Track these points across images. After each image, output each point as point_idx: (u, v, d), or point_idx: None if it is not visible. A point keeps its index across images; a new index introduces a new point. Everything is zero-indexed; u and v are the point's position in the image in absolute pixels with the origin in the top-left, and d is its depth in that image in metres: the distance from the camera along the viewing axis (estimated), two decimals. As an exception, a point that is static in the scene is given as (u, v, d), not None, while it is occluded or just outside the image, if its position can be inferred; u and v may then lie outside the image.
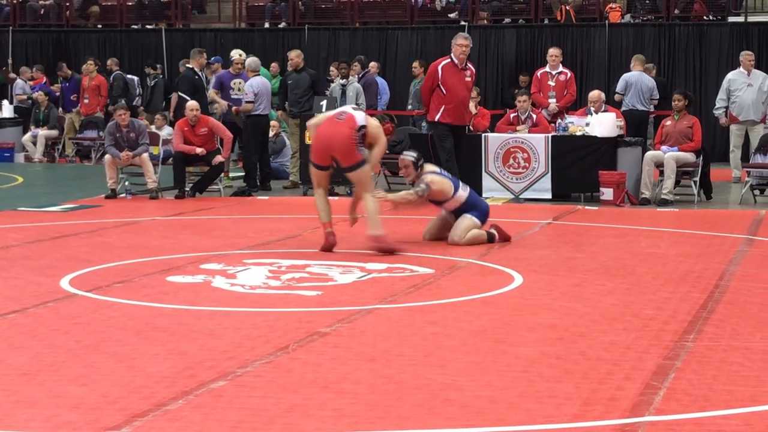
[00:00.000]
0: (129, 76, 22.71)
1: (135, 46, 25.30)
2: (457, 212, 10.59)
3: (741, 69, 17.17)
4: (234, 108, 16.16)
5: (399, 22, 24.53)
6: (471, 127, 15.12)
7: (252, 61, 16.58)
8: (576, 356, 6.20)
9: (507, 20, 24.02)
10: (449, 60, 14.01)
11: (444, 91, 13.87)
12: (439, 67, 14.00)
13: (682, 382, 5.64)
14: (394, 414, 5.11)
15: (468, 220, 10.50)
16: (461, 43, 14.01)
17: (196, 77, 16.79)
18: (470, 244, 10.43)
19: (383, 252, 9.87)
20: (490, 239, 10.57)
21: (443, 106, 13.88)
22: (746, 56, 17.22)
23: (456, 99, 13.89)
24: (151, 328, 6.94)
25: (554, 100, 16.20)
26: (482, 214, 10.64)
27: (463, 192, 10.62)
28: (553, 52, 16.54)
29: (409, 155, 10.72)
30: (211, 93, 16.69)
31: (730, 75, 17.25)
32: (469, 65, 14.24)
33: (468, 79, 14.10)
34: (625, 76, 17.13)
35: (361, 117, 10.27)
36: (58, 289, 8.22)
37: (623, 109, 16.63)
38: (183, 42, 24.50)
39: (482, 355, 6.27)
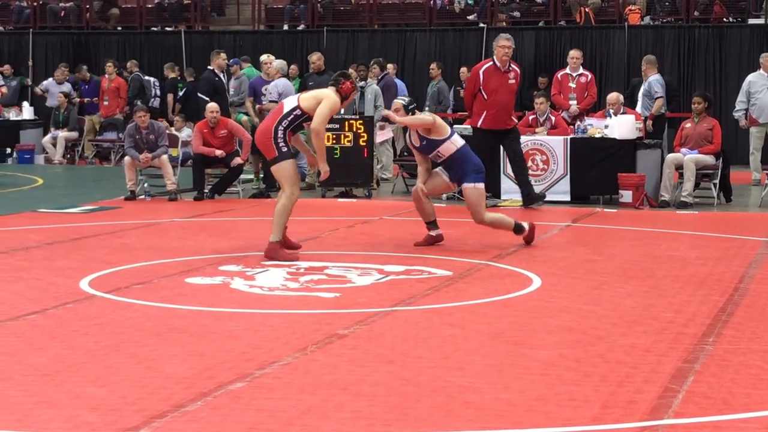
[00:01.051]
0: (146, 77, 22.77)
1: (154, 48, 25.40)
2: (453, 163, 10.35)
3: (761, 71, 17.11)
4: (258, 106, 16.17)
5: (417, 24, 24.54)
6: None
7: (279, 63, 16.60)
8: (595, 359, 6.19)
9: (526, 22, 23.98)
10: (491, 63, 13.78)
11: (485, 96, 13.62)
12: (481, 71, 13.74)
13: (701, 386, 5.62)
14: (412, 416, 5.11)
15: (479, 189, 10.38)
16: (503, 44, 13.71)
17: (216, 79, 16.83)
18: (494, 227, 10.47)
19: (274, 261, 9.43)
20: (518, 230, 10.45)
21: (485, 112, 13.62)
22: (766, 58, 17.16)
23: (498, 103, 13.62)
24: (170, 329, 6.96)
25: (575, 102, 16.17)
26: (479, 170, 10.43)
27: (459, 139, 10.47)
28: (574, 54, 16.50)
29: (401, 99, 10.66)
30: (247, 103, 16.67)
31: (750, 77, 17.20)
32: (513, 66, 13.95)
33: (512, 81, 13.81)
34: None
35: (290, 101, 9.81)
36: (78, 291, 8.25)
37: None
38: (202, 44, 24.58)
39: (501, 357, 6.26)
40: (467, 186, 10.41)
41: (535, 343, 6.63)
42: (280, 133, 9.55)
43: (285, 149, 9.57)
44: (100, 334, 6.81)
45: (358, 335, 6.80)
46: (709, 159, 14.41)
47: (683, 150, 14.51)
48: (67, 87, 22.38)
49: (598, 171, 14.37)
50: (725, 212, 13.82)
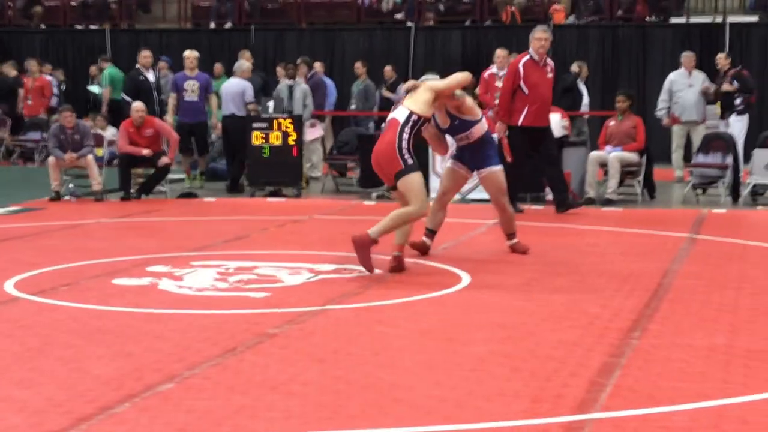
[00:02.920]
0: (47, 76, 22.15)
1: (79, 46, 25.09)
2: (480, 146, 9.84)
3: (682, 70, 17.37)
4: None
5: (346, 22, 24.54)
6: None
7: (246, 64, 16.56)
8: (524, 354, 6.25)
9: (452, 21, 24.11)
10: (529, 56, 13.24)
11: (526, 91, 13.05)
12: (520, 65, 13.18)
13: (628, 379, 5.70)
14: (344, 414, 5.12)
15: (498, 173, 9.95)
16: (540, 36, 13.22)
17: (141, 78, 16.67)
18: (504, 216, 10.09)
19: (355, 251, 8.85)
20: (511, 236, 10.15)
21: (527, 108, 13.03)
22: (687, 57, 17.44)
23: (540, 98, 13.12)
24: (97, 330, 6.88)
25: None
26: (497, 153, 10.21)
27: (484, 122, 9.96)
28: (500, 53, 16.56)
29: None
30: (170, 100, 16.51)
31: (672, 76, 17.45)
32: (548, 61, 13.46)
33: (550, 75, 13.34)
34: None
35: (401, 112, 9.06)
36: (2, 293, 8.12)
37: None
38: (128, 42, 24.34)
39: (431, 354, 6.29)
40: (495, 169, 9.90)
41: (465, 339, 6.67)
42: (404, 144, 8.92)
43: (411, 161, 8.93)
44: (25, 336, 6.71)
45: (289, 334, 6.79)
46: (633, 156, 14.61)
47: (607, 148, 14.70)
48: None
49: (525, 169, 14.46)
50: (649, 209, 14.02)
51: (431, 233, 10.05)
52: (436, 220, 10.04)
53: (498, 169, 9.93)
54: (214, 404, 5.25)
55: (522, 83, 13.05)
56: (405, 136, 8.91)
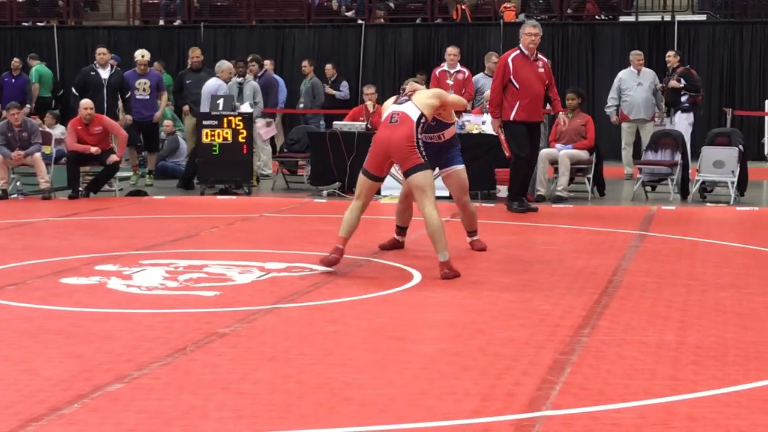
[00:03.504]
0: None
1: (26, 44, 24.79)
2: (449, 147, 10.03)
3: (631, 68, 17.51)
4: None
5: (296, 20, 24.48)
6: (369, 125, 15.12)
7: (227, 64, 16.55)
8: (474, 352, 6.26)
9: (403, 19, 24.15)
10: (518, 51, 13.13)
11: (517, 86, 12.95)
12: (509, 60, 13.09)
13: (578, 377, 5.73)
14: (295, 413, 5.10)
15: (462, 171, 10.10)
16: (530, 31, 13.10)
17: (92, 74, 16.48)
18: (466, 214, 10.17)
19: (451, 278, 8.62)
20: (472, 234, 10.23)
21: (518, 102, 12.94)
22: (636, 56, 17.58)
23: (531, 93, 13.00)
24: (45, 330, 6.81)
25: None
26: (461, 153, 10.24)
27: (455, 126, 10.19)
28: (451, 51, 16.60)
29: (416, 81, 9.91)
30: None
31: (621, 74, 17.59)
32: (541, 56, 13.36)
33: (541, 70, 13.16)
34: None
35: (410, 110, 9.01)
36: (-52, 293, 8.03)
37: None
38: (76, 40, 24.10)
39: (382, 353, 6.29)
40: (458, 168, 10.07)
41: (416, 337, 6.67)
42: (420, 141, 8.93)
43: (426, 158, 8.97)
44: (-28, 337, 6.63)
45: (239, 333, 6.76)
46: (583, 154, 14.70)
47: (557, 145, 14.78)
48: None
49: (476, 166, 14.47)
50: (599, 206, 14.12)
51: (402, 230, 10.16)
52: (405, 217, 10.15)
53: (461, 168, 10.07)
54: (164, 404, 5.22)
55: (512, 78, 12.99)
56: (419, 134, 8.96)
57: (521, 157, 13.06)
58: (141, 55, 16.70)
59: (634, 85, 17.22)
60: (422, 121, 9.02)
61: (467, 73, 16.60)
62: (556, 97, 13.44)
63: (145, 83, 16.34)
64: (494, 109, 13.18)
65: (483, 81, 16.33)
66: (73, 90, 16.61)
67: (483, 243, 10.21)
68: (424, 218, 8.87)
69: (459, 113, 15.30)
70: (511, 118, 13.01)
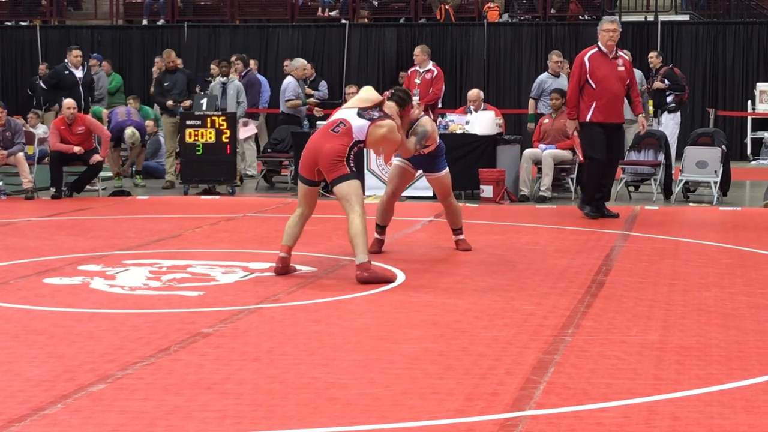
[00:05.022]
0: None
1: (9, 43, 24.71)
2: (432, 157, 9.91)
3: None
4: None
5: (280, 20, 24.45)
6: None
7: (300, 62, 17.04)
8: (458, 352, 6.26)
9: (387, 19, 24.17)
10: (596, 49, 12.58)
11: (594, 86, 12.40)
12: (586, 58, 12.50)
13: (562, 376, 5.74)
14: (279, 413, 5.10)
15: (446, 176, 10.02)
16: (607, 28, 12.56)
17: (66, 72, 16.40)
18: (450, 212, 10.10)
19: (370, 283, 8.41)
20: (457, 232, 10.16)
21: (594, 103, 12.40)
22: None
23: (609, 93, 12.41)
24: (28, 331, 6.79)
25: (417, 97, 16.18)
26: (445, 157, 10.15)
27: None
28: (416, 51, 16.41)
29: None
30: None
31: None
32: (621, 53, 12.82)
33: (621, 68, 12.56)
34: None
35: (359, 129, 8.71)
36: (-70, 293, 7.99)
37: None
38: (59, 39, 24.01)
39: (366, 353, 6.29)
40: (442, 173, 9.97)
41: (399, 337, 6.67)
42: (352, 157, 8.70)
43: (353, 169, 8.74)
44: (-46, 337, 6.60)
45: (223, 333, 6.75)
46: (567, 154, 14.73)
47: (541, 145, 14.81)
48: None
49: (460, 166, 14.50)
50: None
51: (382, 229, 10.11)
52: (387, 217, 10.11)
53: (444, 173, 10.01)
54: (148, 405, 5.20)
55: (588, 77, 12.42)
56: (351, 153, 8.69)
57: (596, 160, 12.53)
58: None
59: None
60: (360, 144, 8.75)
61: (436, 72, 16.38)
62: (637, 97, 12.82)
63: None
64: (571, 109, 12.64)
65: (549, 81, 15.99)
66: (41, 83, 16.54)
67: (468, 244, 10.19)
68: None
69: (434, 113, 15.33)
70: (587, 119, 12.46)
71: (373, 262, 8.58)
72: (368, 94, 9.08)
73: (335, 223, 11.25)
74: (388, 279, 8.55)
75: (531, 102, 16.07)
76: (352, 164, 8.70)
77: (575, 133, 12.79)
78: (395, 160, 10.15)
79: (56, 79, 16.30)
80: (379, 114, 8.86)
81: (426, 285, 8.43)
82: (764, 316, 7.33)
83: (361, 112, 8.81)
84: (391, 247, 10.27)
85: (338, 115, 8.88)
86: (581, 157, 12.72)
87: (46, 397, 5.29)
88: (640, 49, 20.89)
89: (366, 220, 8.64)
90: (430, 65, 16.32)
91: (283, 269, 8.81)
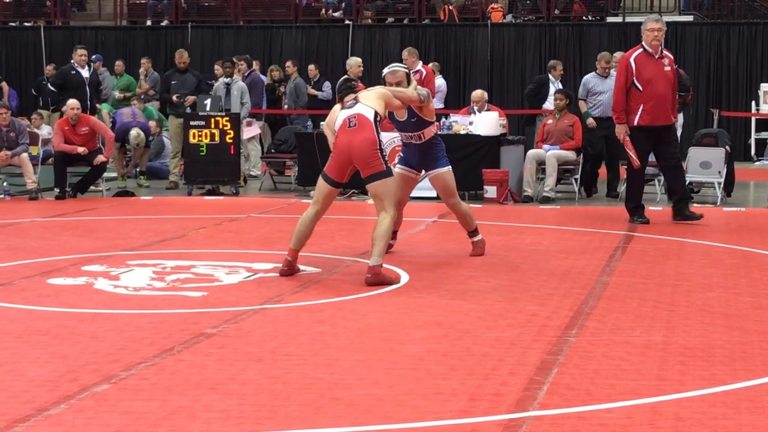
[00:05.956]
0: None
1: (13, 44, 24.74)
2: (430, 148, 9.84)
3: (613, 71, 17.42)
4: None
5: (283, 20, 24.47)
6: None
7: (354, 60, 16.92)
8: (461, 353, 6.26)
9: (391, 20, 24.17)
10: (641, 50, 12.10)
11: (640, 88, 11.90)
12: (632, 59, 12.03)
13: (565, 377, 5.74)
14: (282, 414, 5.10)
15: (451, 172, 9.93)
16: (652, 27, 12.10)
17: (73, 72, 16.42)
18: (460, 216, 10.01)
19: (376, 284, 8.40)
20: (472, 234, 10.05)
21: (641, 106, 11.90)
22: (621, 57, 17.52)
23: (656, 94, 11.91)
24: (32, 331, 6.79)
25: None
26: (445, 154, 10.07)
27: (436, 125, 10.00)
28: (403, 54, 16.32)
29: (401, 67, 9.61)
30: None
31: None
32: (666, 53, 12.31)
33: (667, 68, 12.07)
34: None
35: (366, 109, 8.75)
36: (-66, 293, 8.00)
37: None
38: (63, 40, 24.05)
39: (369, 353, 6.29)
40: (443, 170, 9.88)
41: (403, 338, 6.67)
42: (382, 145, 8.72)
43: (388, 165, 8.76)
44: (-42, 337, 6.61)
45: (226, 334, 6.75)
46: (570, 154, 14.73)
47: (545, 146, 14.81)
48: None
49: (463, 167, 14.49)
50: (586, 206, 14.14)
51: (393, 234, 9.98)
52: (396, 224, 9.95)
53: (446, 170, 9.88)
54: (151, 405, 5.21)
55: (635, 80, 11.95)
56: (380, 136, 8.73)
57: (636, 169, 12.12)
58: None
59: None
60: (378, 119, 8.77)
61: (425, 73, 16.32)
62: (675, 101, 12.40)
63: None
64: (619, 113, 12.07)
65: (594, 81, 15.78)
66: (49, 85, 16.57)
67: (481, 249, 10.00)
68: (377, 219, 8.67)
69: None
70: (635, 123, 11.96)
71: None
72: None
73: (339, 223, 11.25)
74: (394, 283, 8.55)
75: (581, 103, 15.56)
76: (386, 157, 8.71)
77: (626, 138, 12.11)
78: (396, 168, 10.10)
79: (63, 80, 16.32)
80: (354, 97, 8.90)
81: (429, 286, 8.43)
82: (768, 317, 7.32)
83: (346, 106, 8.86)
84: (395, 248, 10.26)
85: (342, 115, 8.85)
86: (636, 162, 12.10)
87: (49, 398, 5.30)
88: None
89: (392, 224, 8.71)
90: (419, 66, 16.29)
91: (288, 272, 8.81)
